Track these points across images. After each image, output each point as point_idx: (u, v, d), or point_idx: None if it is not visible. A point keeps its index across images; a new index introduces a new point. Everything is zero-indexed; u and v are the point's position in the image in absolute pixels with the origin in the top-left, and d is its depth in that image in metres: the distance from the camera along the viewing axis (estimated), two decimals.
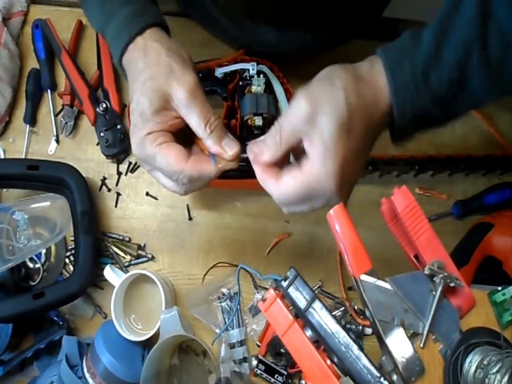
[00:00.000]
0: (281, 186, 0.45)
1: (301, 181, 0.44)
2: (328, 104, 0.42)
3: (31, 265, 0.74)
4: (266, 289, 0.72)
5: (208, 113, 0.47)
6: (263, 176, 0.46)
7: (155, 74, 0.47)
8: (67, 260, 0.75)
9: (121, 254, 0.75)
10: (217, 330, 0.71)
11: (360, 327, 0.70)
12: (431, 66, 0.43)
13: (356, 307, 0.71)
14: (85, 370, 0.65)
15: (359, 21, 0.71)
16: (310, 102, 0.42)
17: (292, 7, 0.64)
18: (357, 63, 0.46)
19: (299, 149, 0.45)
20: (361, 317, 0.70)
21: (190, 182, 0.49)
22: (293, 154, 0.48)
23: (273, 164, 0.46)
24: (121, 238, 0.75)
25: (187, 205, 0.76)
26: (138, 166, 0.78)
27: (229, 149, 0.48)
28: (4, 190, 0.77)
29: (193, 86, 0.47)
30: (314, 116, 0.42)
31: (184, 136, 0.51)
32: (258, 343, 0.71)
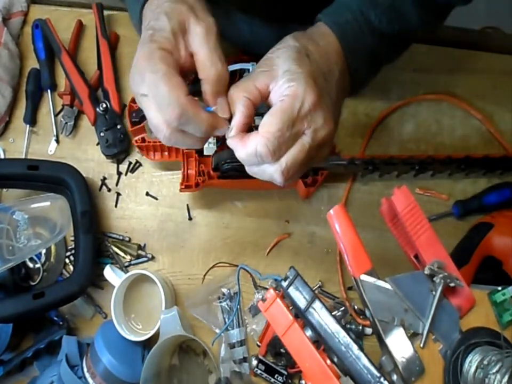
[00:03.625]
0: (266, 126, 0.43)
1: (281, 107, 0.43)
2: (282, 50, 0.46)
3: (31, 265, 0.74)
4: (266, 289, 0.72)
5: (214, 61, 0.45)
6: (242, 139, 0.44)
7: (176, 5, 0.45)
8: (67, 260, 0.75)
9: (121, 254, 0.75)
10: (217, 330, 0.71)
11: (360, 327, 0.70)
12: (369, 8, 0.49)
13: (355, 307, 0.71)
14: (85, 370, 0.65)
15: None
16: (268, 56, 0.46)
17: (291, 5, 0.64)
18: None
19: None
20: (361, 317, 0.70)
21: (179, 126, 0.44)
22: None
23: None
24: (121, 238, 0.75)
25: (187, 205, 0.76)
26: (139, 166, 0.78)
27: (222, 106, 0.46)
28: (4, 190, 0.77)
29: (212, 26, 0.45)
30: (273, 62, 0.45)
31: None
32: (258, 343, 0.71)
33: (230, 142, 0.46)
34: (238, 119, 0.45)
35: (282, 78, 0.44)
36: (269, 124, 0.43)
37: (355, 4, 0.50)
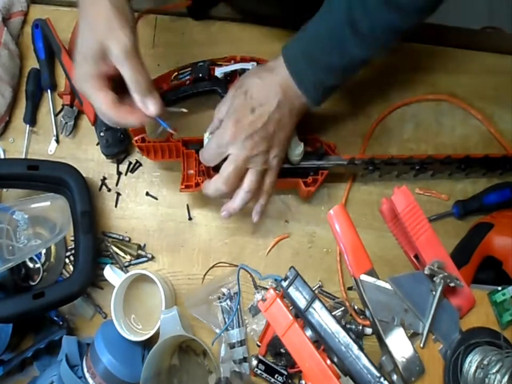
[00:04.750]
0: (206, 144, 0.62)
1: (215, 134, 0.61)
2: (237, 85, 0.62)
3: (31, 265, 0.74)
4: (266, 289, 0.72)
5: (138, 73, 0.54)
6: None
7: (95, 26, 0.53)
8: (67, 260, 0.75)
9: (121, 254, 0.75)
10: (217, 330, 0.71)
11: (360, 327, 0.70)
12: (312, 44, 0.58)
13: (356, 307, 0.71)
14: (85, 370, 0.65)
15: None
16: (231, 89, 0.63)
17: None
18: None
19: None
20: (361, 317, 0.70)
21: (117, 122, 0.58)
22: None
23: None
24: (121, 238, 0.75)
25: (187, 205, 0.76)
26: (139, 166, 0.78)
27: (150, 105, 0.56)
28: (4, 190, 0.77)
29: (128, 43, 0.53)
30: (229, 95, 0.62)
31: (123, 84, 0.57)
32: (258, 343, 0.71)
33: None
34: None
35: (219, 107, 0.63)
36: (208, 143, 0.62)
37: (303, 38, 0.59)
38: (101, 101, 0.55)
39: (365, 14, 0.54)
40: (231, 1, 0.81)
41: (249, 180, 0.61)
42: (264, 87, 0.59)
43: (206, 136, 0.65)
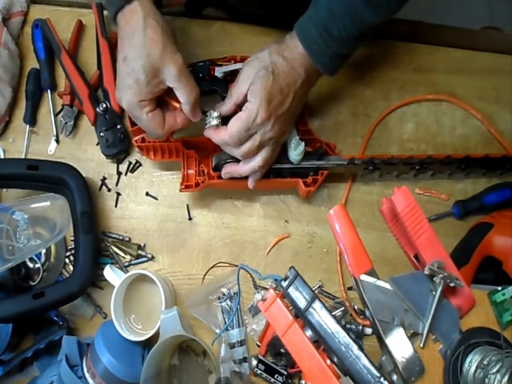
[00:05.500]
0: (230, 126, 0.61)
1: (241, 116, 0.60)
2: (259, 63, 0.61)
3: (31, 265, 0.74)
4: (266, 289, 0.72)
5: (191, 89, 0.60)
6: (218, 131, 0.63)
7: (151, 52, 0.58)
8: (67, 260, 0.75)
9: (121, 254, 0.75)
10: (217, 330, 0.71)
11: (360, 327, 0.70)
12: (329, 22, 0.59)
13: (356, 307, 0.71)
14: (85, 370, 0.65)
15: None
16: (247, 67, 0.62)
17: None
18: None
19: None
20: (361, 317, 0.70)
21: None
22: None
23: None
24: (121, 238, 0.75)
25: (187, 205, 0.76)
26: (139, 166, 0.78)
27: (198, 115, 0.63)
28: (4, 190, 0.77)
29: (182, 65, 0.59)
30: (251, 77, 0.61)
31: (160, 98, 0.63)
32: (258, 343, 0.71)
33: (207, 131, 0.65)
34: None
35: (249, 92, 0.61)
36: (233, 126, 0.61)
37: (319, 19, 0.60)
38: (151, 122, 0.62)
39: None
40: (224, 2, 0.82)
41: (264, 156, 0.64)
42: (289, 67, 0.61)
43: (214, 116, 0.64)
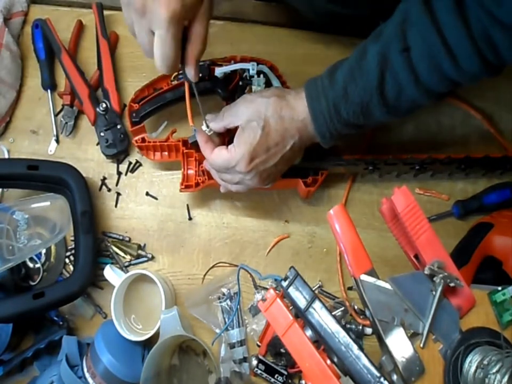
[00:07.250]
0: (213, 155, 0.62)
1: (223, 156, 0.60)
2: (255, 110, 0.60)
3: (31, 265, 0.74)
4: (266, 289, 0.72)
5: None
6: (205, 145, 0.63)
7: None
8: (67, 260, 0.75)
9: (121, 254, 0.75)
10: (217, 330, 0.71)
11: (360, 327, 0.70)
12: (340, 102, 0.57)
13: (356, 307, 0.71)
14: (85, 370, 0.65)
15: None
16: (245, 104, 0.61)
17: None
18: (291, 89, 0.63)
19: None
20: (361, 317, 0.70)
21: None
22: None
23: (212, 140, 0.63)
24: (121, 238, 0.75)
25: (187, 205, 0.76)
26: (139, 166, 0.78)
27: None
28: (4, 190, 0.77)
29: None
30: (243, 117, 0.60)
31: None
32: (258, 343, 0.71)
33: (198, 135, 0.63)
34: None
35: (237, 134, 0.60)
36: (215, 157, 0.62)
37: (333, 96, 0.58)
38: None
39: (395, 85, 0.55)
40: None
41: (240, 189, 0.65)
42: (283, 128, 0.60)
43: (204, 128, 0.63)
